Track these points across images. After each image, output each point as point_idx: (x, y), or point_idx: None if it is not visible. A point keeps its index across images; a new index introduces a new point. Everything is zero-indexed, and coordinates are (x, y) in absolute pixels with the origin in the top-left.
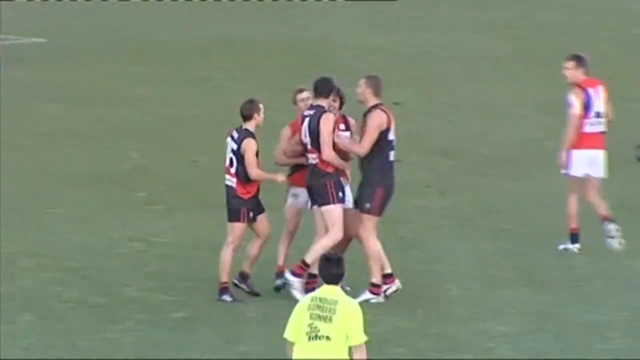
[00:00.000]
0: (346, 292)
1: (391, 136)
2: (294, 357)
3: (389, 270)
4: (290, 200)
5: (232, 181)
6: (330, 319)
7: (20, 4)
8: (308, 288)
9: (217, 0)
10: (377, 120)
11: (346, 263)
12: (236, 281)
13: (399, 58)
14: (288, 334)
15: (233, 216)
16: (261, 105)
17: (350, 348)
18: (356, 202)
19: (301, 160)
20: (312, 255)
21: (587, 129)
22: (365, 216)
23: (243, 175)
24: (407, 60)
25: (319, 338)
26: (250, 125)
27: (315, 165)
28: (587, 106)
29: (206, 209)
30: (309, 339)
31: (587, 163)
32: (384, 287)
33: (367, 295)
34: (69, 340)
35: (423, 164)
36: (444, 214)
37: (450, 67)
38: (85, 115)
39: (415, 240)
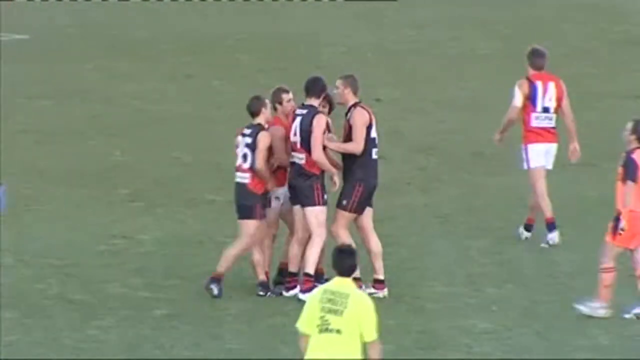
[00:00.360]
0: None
1: (373, 133)
2: (308, 350)
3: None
4: (274, 203)
5: (244, 177)
6: (341, 313)
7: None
8: (289, 287)
9: None
10: (361, 118)
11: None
12: (262, 292)
13: (385, 55)
14: (300, 325)
15: (246, 213)
16: (267, 101)
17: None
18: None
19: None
20: (310, 263)
21: (534, 123)
22: (340, 212)
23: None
24: (393, 57)
25: (330, 331)
26: (260, 120)
27: (301, 166)
28: (532, 100)
29: (189, 206)
30: (320, 331)
31: (543, 155)
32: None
33: (369, 290)
34: (52, 337)
35: (406, 161)
36: (426, 211)
37: (436, 64)
38: (68, 112)
39: (398, 237)
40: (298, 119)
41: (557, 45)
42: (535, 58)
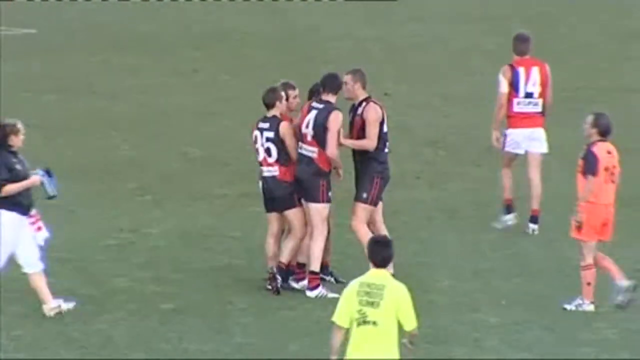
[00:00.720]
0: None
1: (385, 128)
2: (349, 344)
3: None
4: None
5: (272, 171)
6: (378, 304)
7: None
8: (298, 278)
9: None
10: (375, 114)
11: (341, 255)
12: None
13: (392, 50)
14: (337, 318)
15: (284, 204)
16: (283, 93)
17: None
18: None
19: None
20: (315, 260)
21: (517, 108)
22: (361, 206)
23: (284, 160)
24: (399, 52)
25: (367, 323)
26: (276, 113)
27: (312, 160)
28: (514, 85)
29: (196, 199)
30: (358, 324)
31: (525, 140)
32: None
33: None
34: (60, 330)
35: (414, 155)
36: (434, 205)
37: (442, 59)
38: (75, 107)
39: (405, 231)
40: (313, 112)
41: (563, 40)
42: (518, 43)
